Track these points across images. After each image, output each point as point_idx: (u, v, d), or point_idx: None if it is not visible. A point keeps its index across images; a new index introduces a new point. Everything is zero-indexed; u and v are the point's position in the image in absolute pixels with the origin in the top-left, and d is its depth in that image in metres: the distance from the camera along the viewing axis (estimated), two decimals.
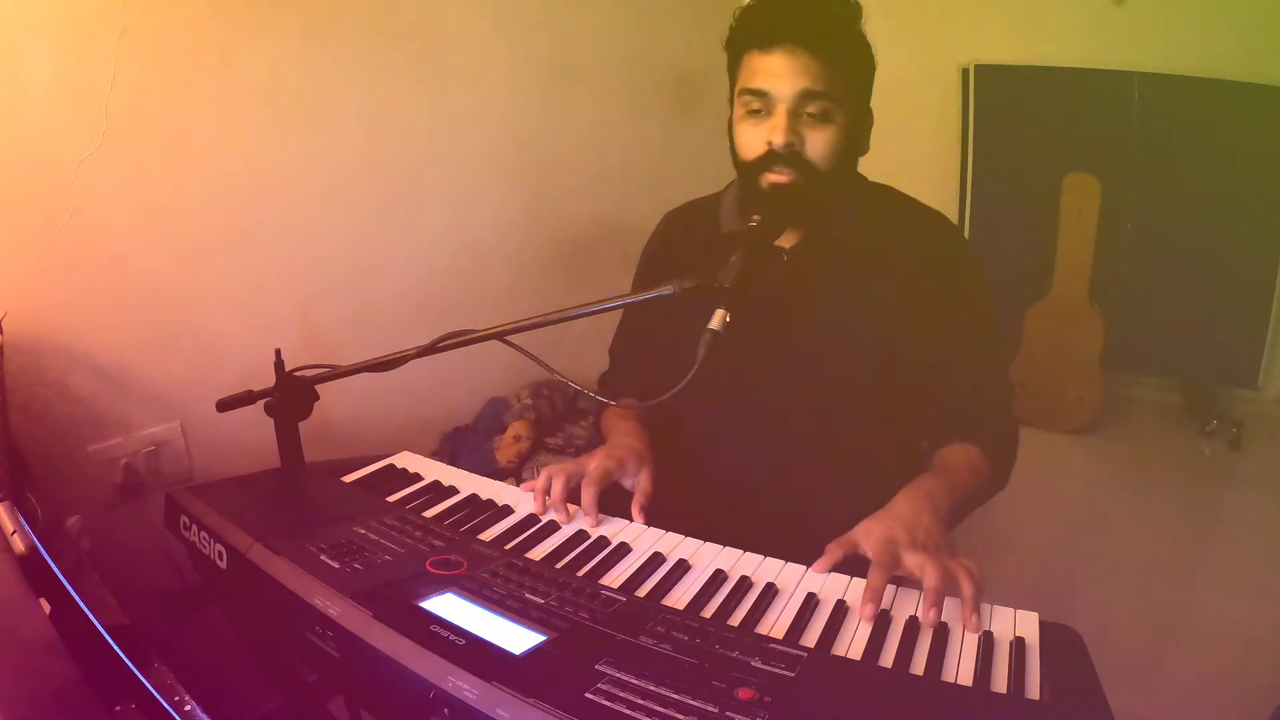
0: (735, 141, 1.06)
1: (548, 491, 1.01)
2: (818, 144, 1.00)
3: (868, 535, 0.87)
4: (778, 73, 0.98)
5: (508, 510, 1.00)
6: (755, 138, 1.02)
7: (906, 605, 0.80)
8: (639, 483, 1.04)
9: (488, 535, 0.93)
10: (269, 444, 1.09)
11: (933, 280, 1.08)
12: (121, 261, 1.35)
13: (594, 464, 1.03)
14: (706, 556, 0.89)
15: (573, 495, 1.00)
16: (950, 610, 0.78)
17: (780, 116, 0.99)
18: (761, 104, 1.00)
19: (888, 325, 1.07)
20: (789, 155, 0.99)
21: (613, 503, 1.01)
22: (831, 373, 1.09)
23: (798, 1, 0.99)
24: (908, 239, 1.10)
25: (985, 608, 0.77)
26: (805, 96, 0.98)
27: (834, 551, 0.87)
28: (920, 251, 1.09)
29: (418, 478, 1.09)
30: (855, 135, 1.04)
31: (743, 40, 1.03)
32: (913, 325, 1.07)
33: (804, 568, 0.86)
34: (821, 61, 0.98)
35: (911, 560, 0.82)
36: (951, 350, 1.08)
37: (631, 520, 0.98)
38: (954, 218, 2.78)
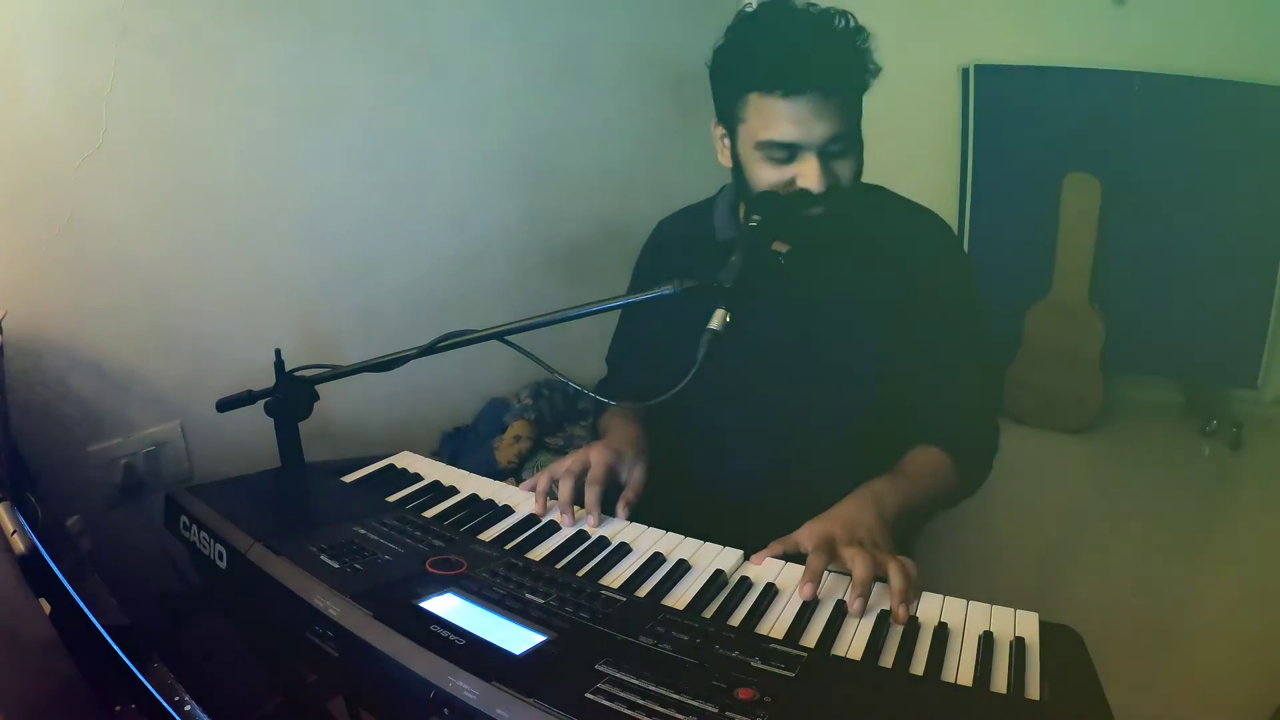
0: (750, 177, 1.04)
1: (548, 493, 1.01)
2: (844, 174, 1.01)
3: (810, 534, 0.89)
4: (806, 121, 0.97)
5: (508, 510, 1.00)
6: (778, 177, 1.01)
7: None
8: (631, 477, 1.04)
9: (488, 535, 0.93)
10: (269, 444, 1.10)
11: (924, 279, 1.08)
12: (121, 261, 1.35)
13: (595, 458, 1.03)
14: (706, 556, 0.89)
15: (576, 495, 1.00)
16: (950, 611, 0.78)
17: (813, 164, 0.98)
18: (786, 153, 0.99)
19: (883, 325, 1.07)
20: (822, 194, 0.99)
21: (612, 503, 1.01)
22: (829, 373, 1.09)
23: (815, 46, 0.97)
24: (901, 239, 1.10)
25: (915, 602, 0.80)
26: (833, 141, 0.98)
27: (774, 547, 0.89)
28: (913, 251, 1.09)
29: (418, 478, 1.09)
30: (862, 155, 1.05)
31: (752, 79, 0.98)
32: (906, 325, 1.07)
33: (804, 569, 0.86)
34: (840, 103, 0.98)
35: (845, 554, 0.85)
36: (935, 351, 1.08)
37: (616, 514, 0.98)
38: (954, 218, 2.79)
